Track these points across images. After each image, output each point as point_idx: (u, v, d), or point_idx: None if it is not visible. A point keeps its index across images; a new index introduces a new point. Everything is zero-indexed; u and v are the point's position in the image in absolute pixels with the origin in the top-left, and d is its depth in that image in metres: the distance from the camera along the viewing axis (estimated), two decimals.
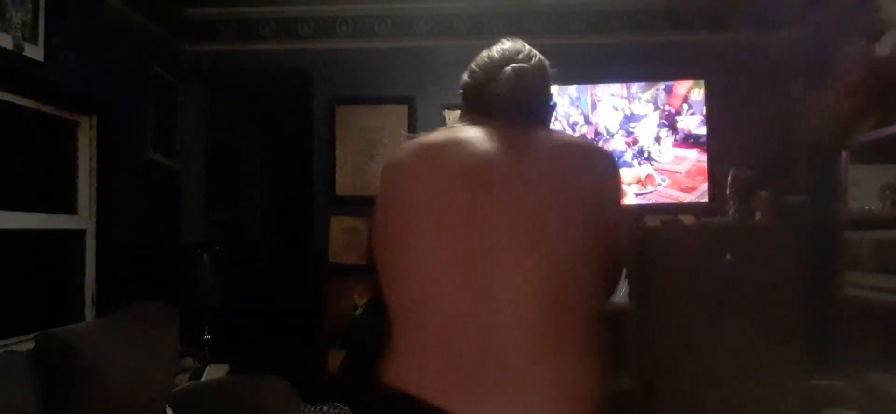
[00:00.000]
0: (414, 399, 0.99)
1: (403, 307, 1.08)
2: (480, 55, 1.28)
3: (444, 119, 3.68)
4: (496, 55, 1.26)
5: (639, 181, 3.19)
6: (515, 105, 1.18)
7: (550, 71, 1.29)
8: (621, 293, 3.10)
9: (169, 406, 2.51)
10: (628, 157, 3.19)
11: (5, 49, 2.26)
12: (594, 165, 1.14)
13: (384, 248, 1.13)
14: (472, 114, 1.22)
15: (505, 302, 0.99)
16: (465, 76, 1.28)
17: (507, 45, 1.28)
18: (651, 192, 3.18)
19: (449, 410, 0.97)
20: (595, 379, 1.03)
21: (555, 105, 1.32)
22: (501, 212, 1.03)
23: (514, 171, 1.07)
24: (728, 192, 3.02)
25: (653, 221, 3.08)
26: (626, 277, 3.11)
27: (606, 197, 1.12)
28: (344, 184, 3.73)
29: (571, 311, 1.02)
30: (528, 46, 1.29)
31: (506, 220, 1.03)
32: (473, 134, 1.14)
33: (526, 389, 0.97)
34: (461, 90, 1.28)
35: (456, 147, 1.12)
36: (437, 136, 1.17)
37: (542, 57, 1.28)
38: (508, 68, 1.20)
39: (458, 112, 1.30)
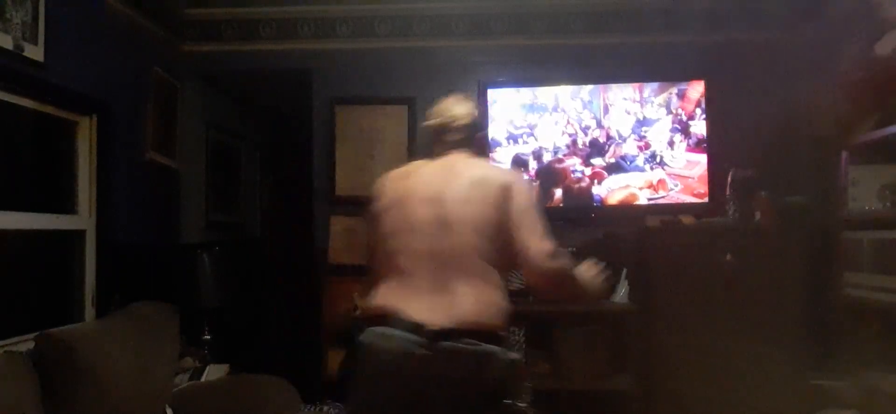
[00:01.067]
0: (381, 309, 1.71)
1: (382, 264, 1.81)
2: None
3: None
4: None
5: (651, 186, 3.18)
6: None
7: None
8: (621, 293, 3.11)
9: (169, 406, 2.51)
10: (640, 161, 3.18)
11: (5, 49, 2.26)
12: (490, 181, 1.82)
13: (378, 231, 1.87)
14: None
15: (453, 247, 1.72)
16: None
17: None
18: (663, 197, 3.17)
19: (398, 312, 1.67)
20: (500, 303, 1.71)
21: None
22: (448, 198, 1.78)
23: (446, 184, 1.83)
24: (728, 192, 3.02)
25: (653, 221, 3.08)
26: (626, 277, 3.12)
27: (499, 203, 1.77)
28: (344, 184, 3.72)
29: (487, 257, 1.73)
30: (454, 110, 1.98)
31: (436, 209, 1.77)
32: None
33: (434, 301, 1.67)
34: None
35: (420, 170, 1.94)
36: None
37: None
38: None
39: None
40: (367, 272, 1.90)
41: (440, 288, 1.68)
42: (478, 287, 1.69)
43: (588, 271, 1.91)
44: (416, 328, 1.63)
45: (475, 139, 1.99)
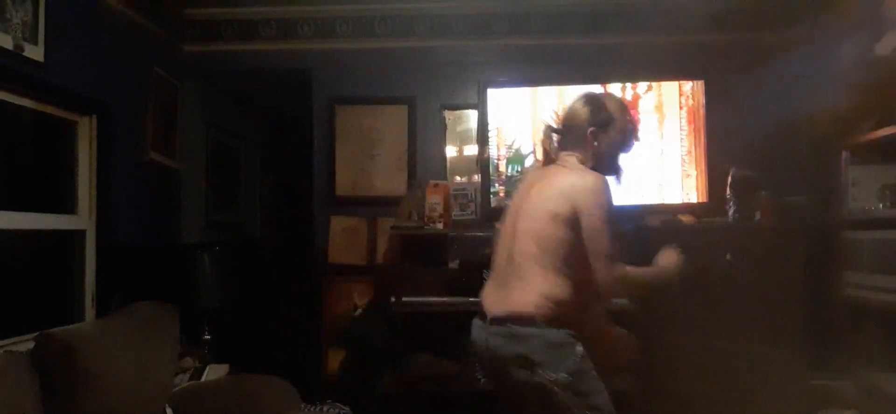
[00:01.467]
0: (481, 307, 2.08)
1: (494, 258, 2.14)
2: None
3: (444, 119, 3.68)
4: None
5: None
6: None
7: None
8: None
9: (169, 406, 2.51)
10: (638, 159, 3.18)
11: (5, 49, 2.26)
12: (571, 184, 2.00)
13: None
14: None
15: (515, 251, 2.01)
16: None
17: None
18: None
19: (481, 305, 2.08)
20: (546, 294, 1.93)
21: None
22: (523, 209, 2.05)
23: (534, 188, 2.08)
24: (728, 192, 3.02)
25: (653, 221, 3.08)
26: None
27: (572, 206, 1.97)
28: (344, 184, 3.73)
29: (538, 259, 1.96)
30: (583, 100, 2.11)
31: (523, 213, 2.04)
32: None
33: (499, 294, 2.02)
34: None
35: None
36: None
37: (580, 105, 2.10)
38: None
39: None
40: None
41: (505, 284, 2.02)
42: (531, 284, 1.94)
43: (667, 259, 2.12)
44: (484, 317, 2.03)
45: (586, 138, 2.04)
